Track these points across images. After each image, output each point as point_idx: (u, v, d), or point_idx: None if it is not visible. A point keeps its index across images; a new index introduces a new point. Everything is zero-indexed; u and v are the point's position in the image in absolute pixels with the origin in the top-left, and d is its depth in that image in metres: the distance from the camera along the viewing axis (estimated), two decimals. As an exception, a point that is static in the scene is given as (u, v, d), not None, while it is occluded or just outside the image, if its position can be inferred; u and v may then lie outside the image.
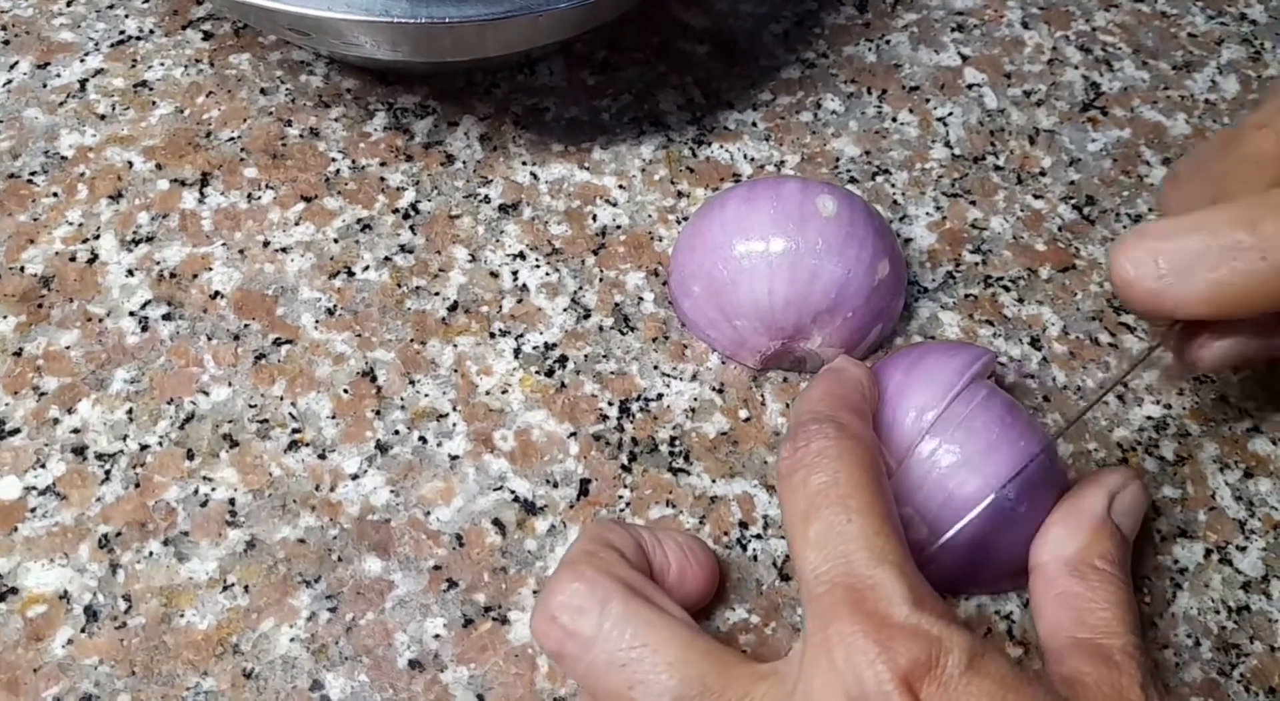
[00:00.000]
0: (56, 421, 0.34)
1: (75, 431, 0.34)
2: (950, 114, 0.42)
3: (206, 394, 0.34)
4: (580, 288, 0.37)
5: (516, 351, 0.36)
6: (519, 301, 0.37)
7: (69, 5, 0.43)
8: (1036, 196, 0.40)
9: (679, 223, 0.39)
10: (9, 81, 0.40)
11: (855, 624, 0.24)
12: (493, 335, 0.36)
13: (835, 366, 0.32)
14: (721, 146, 0.41)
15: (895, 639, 0.23)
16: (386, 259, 0.37)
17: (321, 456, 0.34)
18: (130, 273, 0.37)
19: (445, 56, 0.37)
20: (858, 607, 0.24)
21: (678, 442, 0.35)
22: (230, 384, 0.35)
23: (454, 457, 0.34)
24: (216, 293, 0.36)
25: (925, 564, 0.31)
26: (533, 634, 0.28)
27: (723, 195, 0.36)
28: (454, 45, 0.36)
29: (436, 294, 0.37)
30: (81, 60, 0.41)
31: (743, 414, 0.35)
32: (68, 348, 0.35)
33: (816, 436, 0.27)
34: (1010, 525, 0.30)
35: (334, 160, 0.39)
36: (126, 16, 0.42)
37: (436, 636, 0.31)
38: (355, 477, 0.33)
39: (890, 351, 0.36)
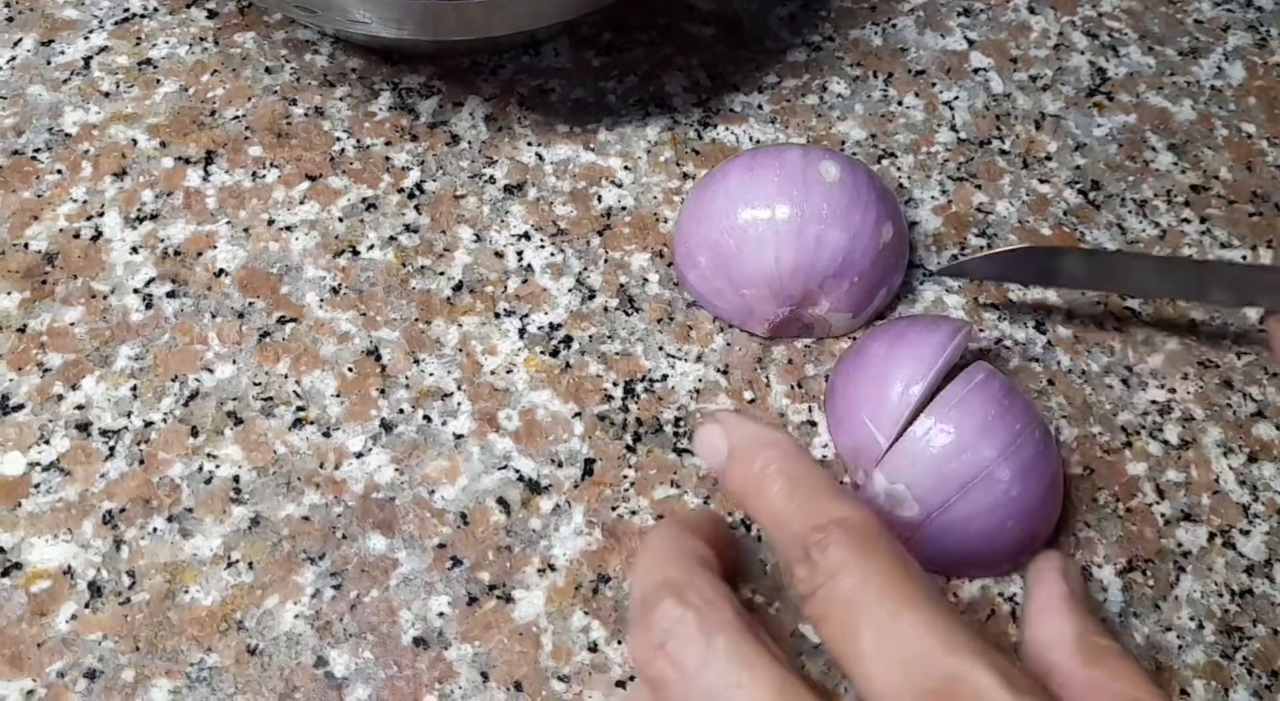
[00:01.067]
0: (60, 398, 0.34)
1: (79, 408, 0.34)
2: (956, 98, 0.42)
3: (211, 371, 0.34)
4: (585, 268, 0.37)
5: (521, 331, 0.36)
6: (524, 282, 0.37)
7: (73, -18, 0.42)
8: (1042, 181, 0.40)
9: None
10: (13, 58, 0.40)
11: None
12: (497, 315, 0.36)
13: (756, 439, 0.27)
14: (727, 129, 0.41)
15: None
16: (391, 238, 0.37)
17: (326, 434, 0.34)
18: (134, 250, 0.36)
19: (450, 35, 0.37)
20: None
21: (682, 423, 0.35)
22: (235, 362, 0.35)
23: (459, 436, 0.34)
24: (221, 271, 0.36)
25: (920, 542, 0.31)
26: (631, 656, 0.25)
27: (725, 165, 0.36)
28: (459, 24, 0.36)
29: (441, 273, 0.37)
30: (85, 38, 0.41)
31: (747, 395, 0.35)
32: (72, 324, 0.35)
33: (825, 545, 0.24)
34: (1004, 505, 0.30)
35: (339, 139, 0.39)
36: (130, -6, 0.42)
37: (441, 614, 0.31)
38: (360, 456, 0.33)
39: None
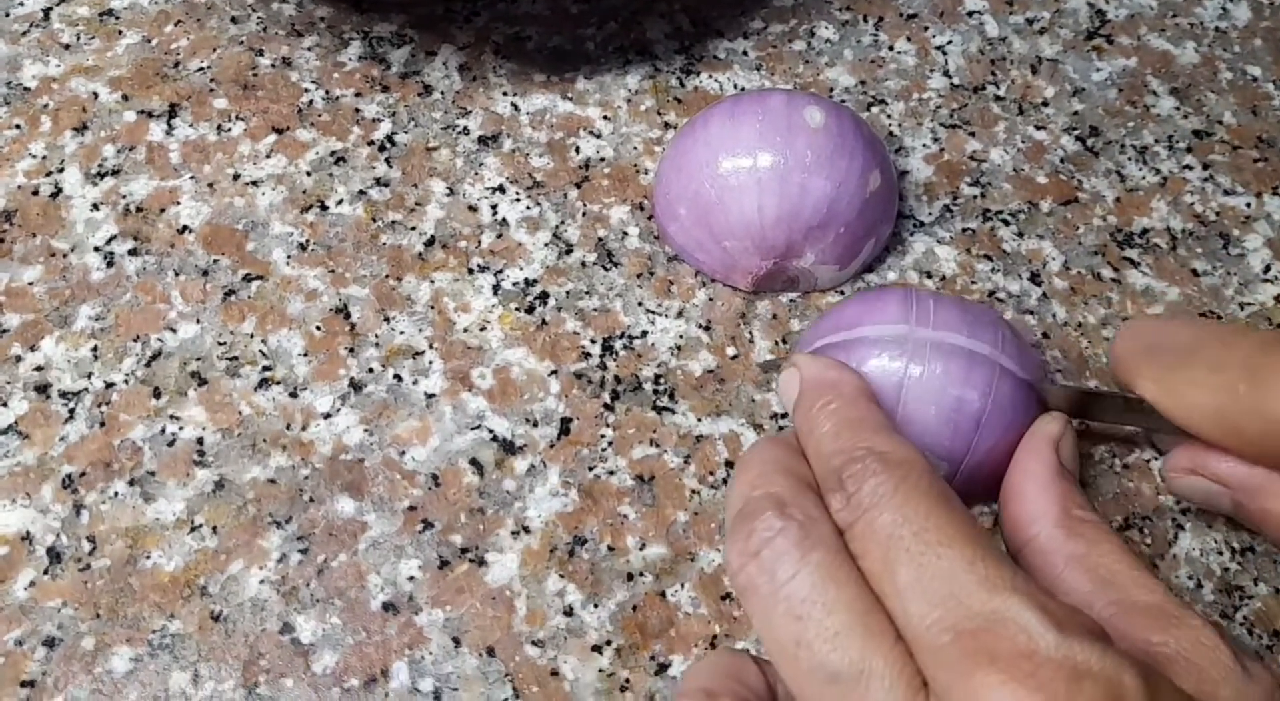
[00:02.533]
0: (19, 359, 0.33)
1: (38, 369, 0.32)
2: (949, 42, 0.41)
3: (174, 331, 0.33)
4: (562, 222, 0.36)
5: (495, 287, 0.35)
6: (498, 236, 0.36)
7: (31, -69, 0.41)
8: (1038, 127, 0.39)
9: (666, 155, 0.37)
10: (-31, 10, 0.39)
11: (998, 672, 0.20)
12: (471, 271, 0.35)
13: (822, 381, 0.28)
14: (710, 76, 0.39)
15: (1056, 680, 0.19)
16: (361, 193, 0.36)
17: (293, 395, 0.32)
18: (95, 207, 0.35)
19: (420, -21, 0.35)
20: (994, 651, 0.20)
21: (662, 381, 0.33)
22: (198, 321, 0.33)
23: (430, 396, 0.33)
24: (184, 227, 0.35)
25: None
26: (727, 564, 0.25)
27: (706, 112, 0.34)
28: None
29: (413, 228, 0.35)
30: (44, -12, 0.40)
31: (730, 351, 0.34)
32: (30, 283, 0.34)
33: (863, 477, 0.24)
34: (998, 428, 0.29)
35: (307, 91, 0.38)
36: (91, -57, 0.41)
37: (411, 578, 0.30)
38: (328, 416, 0.32)
39: (880, 282, 0.35)
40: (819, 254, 0.33)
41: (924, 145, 0.38)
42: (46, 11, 0.39)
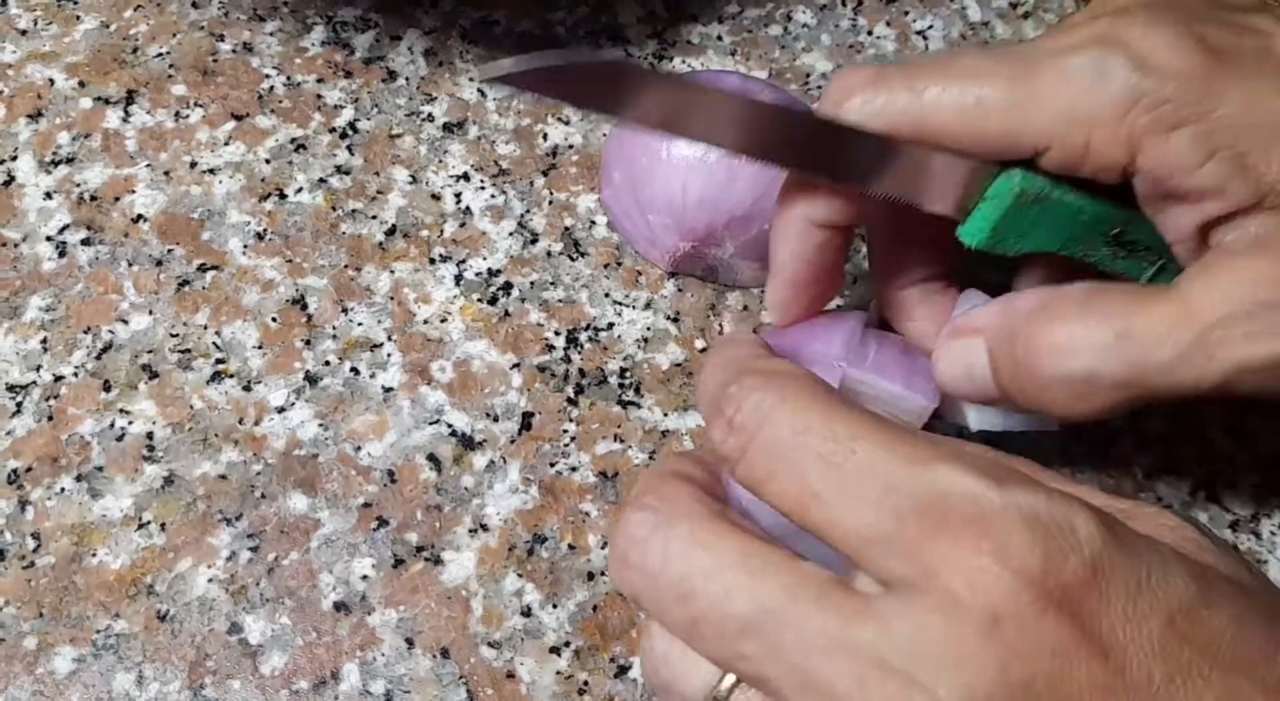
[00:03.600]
0: (-34, 352, 0.32)
1: (-15, 362, 0.32)
2: (930, 27, 0.40)
3: (126, 322, 0.32)
4: (528, 211, 0.35)
5: (458, 278, 0.34)
6: (461, 225, 0.35)
7: (-11, -86, 0.40)
8: (1020, 114, 0.38)
9: (636, 142, 0.36)
10: (-76, -5, 0.38)
11: (953, 543, 0.18)
12: (433, 261, 0.34)
13: (720, 341, 0.26)
14: (684, 61, 0.38)
15: (1010, 532, 0.18)
16: (321, 181, 0.35)
17: (246, 388, 0.32)
18: (49, 195, 0.34)
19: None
20: (943, 525, 0.18)
21: (628, 374, 0.32)
22: (151, 312, 0.33)
23: (388, 390, 0.32)
24: (139, 216, 0.34)
25: None
26: (708, 441, 0.22)
27: None
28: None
29: (374, 217, 0.35)
30: (2, -28, 0.39)
31: (699, 344, 0.33)
32: (-20, 274, 0.33)
33: (741, 396, 0.21)
34: None
35: (268, 77, 0.37)
36: (50, -74, 0.40)
37: (364, 577, 0.29)
38: (282, 410, 0.31)
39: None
40: (738, 247, 0.32)
41: (902, 132, 0.37)
42: (3, -4, 0.38)
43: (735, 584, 0.19)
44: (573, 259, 0.34)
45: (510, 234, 0.35)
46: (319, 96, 0.37)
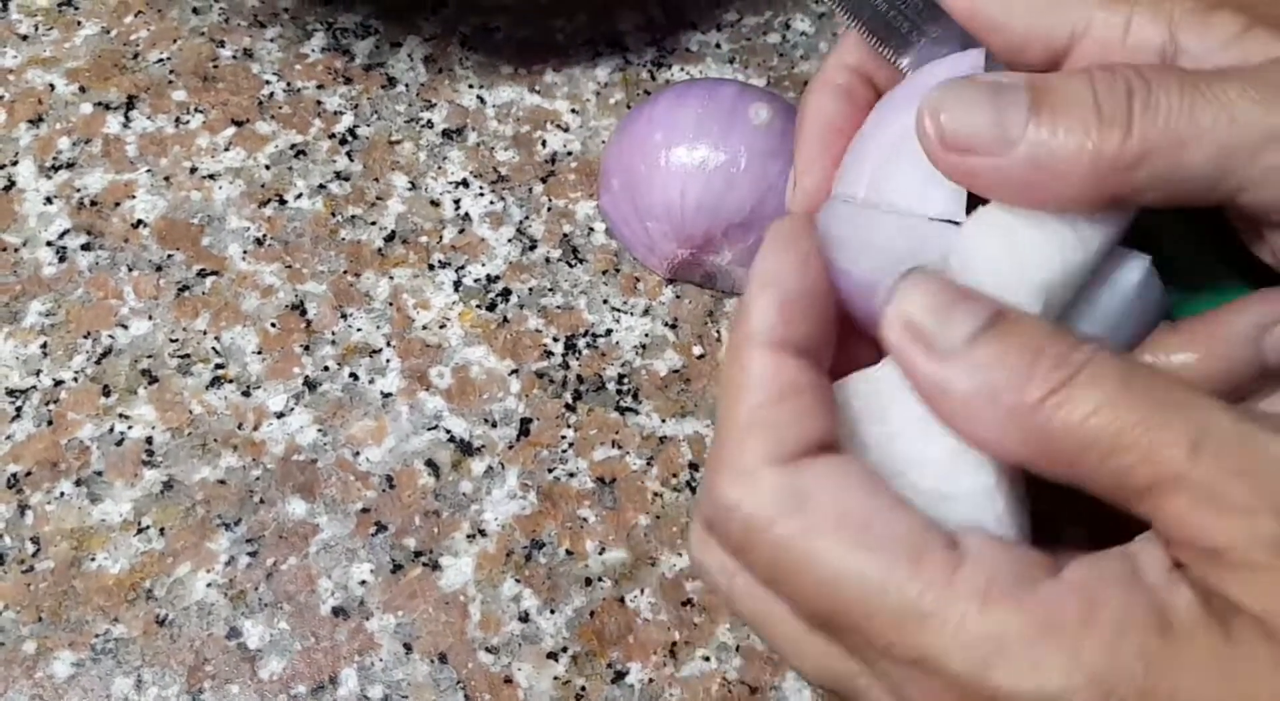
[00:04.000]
0: (-34, 356, 0.32)
1: (-15, 367, 0.32)
2: (928, 35, 0.40)
3: (125, 327, 0.32)
4: (527, 217, 0.35)
5: (456, 284, 0.34)
6: (461, 232, 0.35)
7: (-9, -81, 0.40)
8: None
9: (634, 149, 0.37)
10: (-75, 0, 0.38)
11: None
12: (431, 267, 0.34)
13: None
14: (682, 69, 0.38)
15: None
16: (321, 187, 0.35)
17: (245, 393, 0.32)
18: (49, 200, 0.34)
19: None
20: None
21: (626, 380, 0.33)
22: (151, 317, 0.33)
23: (386, 395, 0.32)
24: (139, 221, 0.34)
25: None
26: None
27: (660, 91, 0.34)
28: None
29: (373, 223, 0.35)
30: (3, -23, 0.39)
31: (696, 350, 0.33)
32: (-20, 279, 0.33)
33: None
34: None
35: (268, 83, 0.37)
36: (52, -69, 0.40)
37: (363, 582, 0.29)
38: (281, 416, 0.31)
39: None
40: (736, 254, 0.32)
41: (899, 140, 0.37)
42: (4, 2, 0.38)
43: (809, 639, 0.19)
44: (571, 265, 0.34)
45: (509, 240, 0.35)
46: (319, 102, 0.37)
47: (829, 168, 0.23)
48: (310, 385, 0.32)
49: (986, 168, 0.19)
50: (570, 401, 0.32)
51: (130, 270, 0.33)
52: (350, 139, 0.36)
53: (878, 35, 0.23)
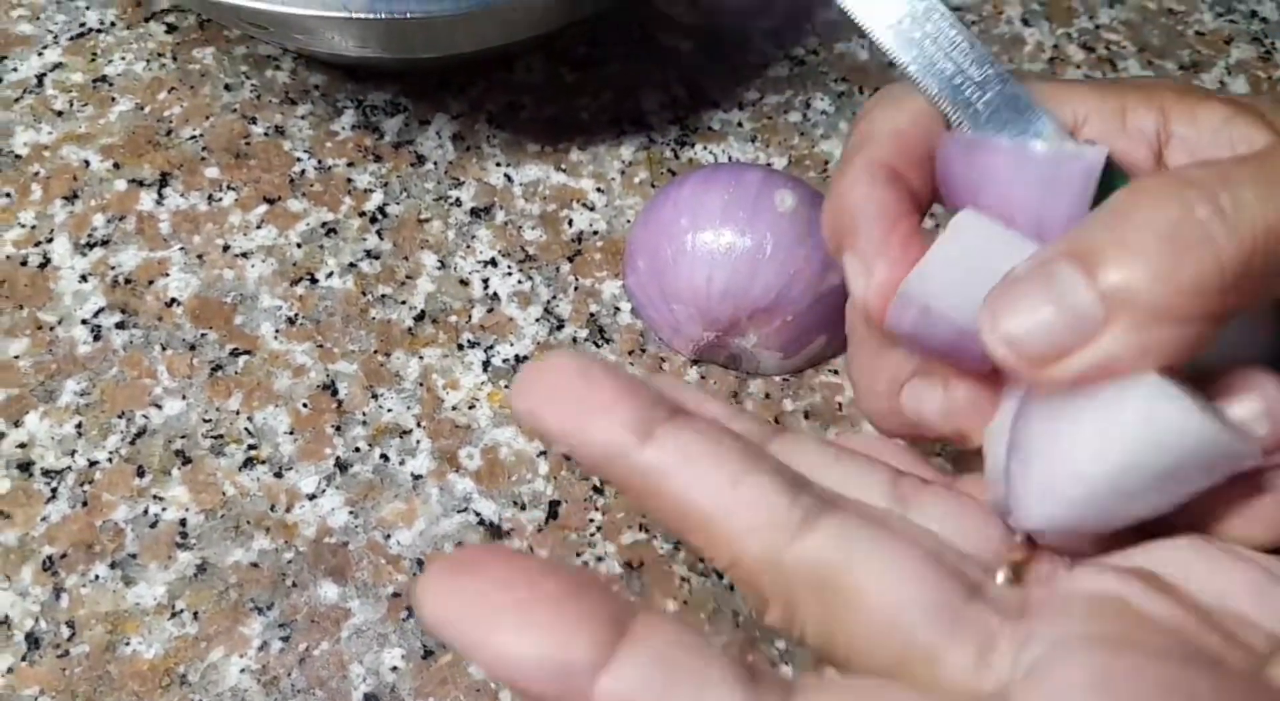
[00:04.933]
0: (2, 435, 0.32)
1: (21, 446, 0.32)
2: (946, 115, 0.41)
3: (159, 407, 0.33)
4: (554, 297, 0.36)
5: (485, 364, 0.34)
6: (489, 311, 0.35)
7: (27, -5, 0.41)
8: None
9: (659, 228, 0.37)
10: (-38, 75, 0.39)
11: None
12: (461, 347, 0.35)
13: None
14: (705, 147, 0.39)
15: None
16: (351, 265, 0.36)
17: (278, 474, 0.32)
18: (84, 278, 0.35)
19: (417, 52, 0.35)
20: None
21: (652, 462, 0.33)
22: (184, 397, 0.33)
23: (417, 477, 0.32)
24: (173, 300, 0.35)
25: None
26: None
27: (687, 174, 0.35)
28: (425, 41, 0.34)
29: (403, 302, 0.35)
30: (40, 54, 0.39)
31: (721, 432, 0.34)
32: (16, 357, 0.33)
33: None
34: None
35: (299, 160, 0.38)
36: (87, 8, 0.41)
37: (394, 668, 0.30)
38: (313, 497, 0.32)
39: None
40: (762, 338, 0.33)
41: (919, 220, 0.38)
42: (40, 78, 0.39)
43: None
44: (598, 345, 0.35)
45: (537, 320, 0.35)
46: (349, 180, 0.37)
47: (898, 258, 0.22)
48: (342, 466, 0.32)
49: (1088, 364, 0.18)
50: (598, 483, 0.33)
51: (164, 349, 0.34)
52: (380, 217, 0.37)
53: (945, 99, 0.23)
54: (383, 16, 0.31)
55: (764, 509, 0.17)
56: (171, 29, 0.40)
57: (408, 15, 0.31)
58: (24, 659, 0.29)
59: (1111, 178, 0.21)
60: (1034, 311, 0.18)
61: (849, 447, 0.22)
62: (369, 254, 0.36)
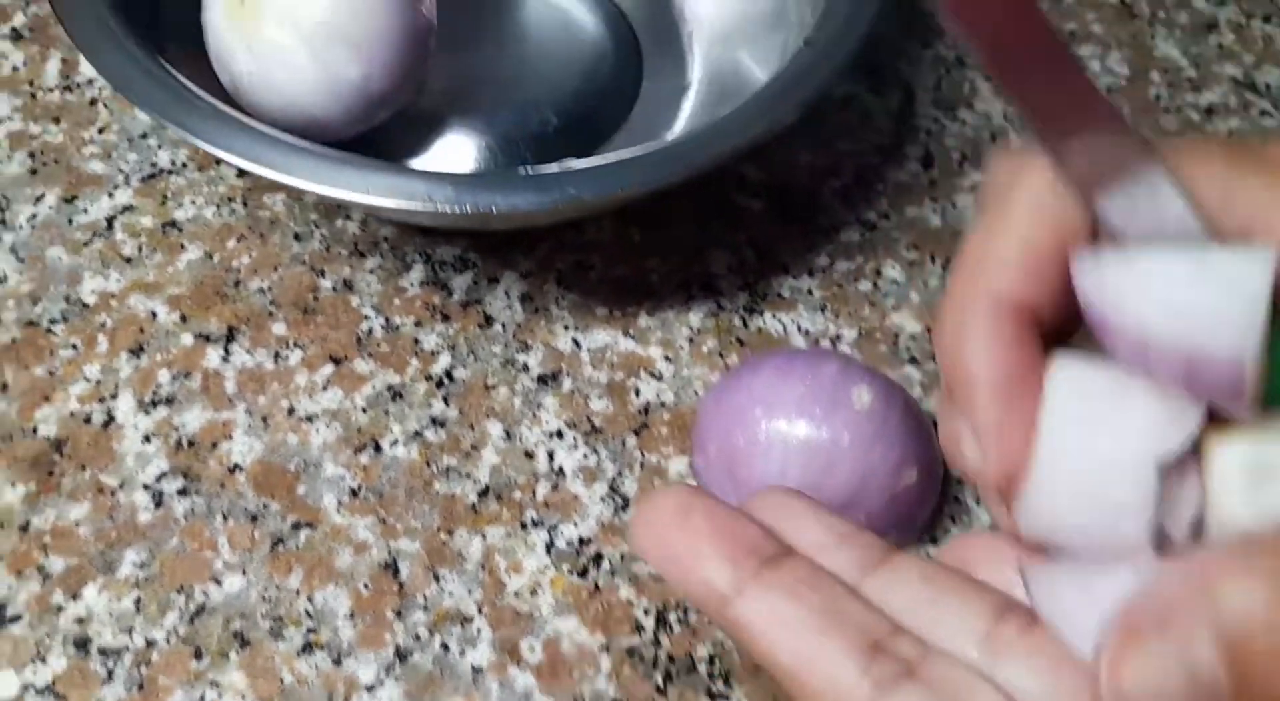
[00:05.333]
0: (60, 608, 0.32)
1: (79, 621, 0.32)
2: (1017, 287, 0.40)
3: (219, 583, 0.32)
4: (620, 473, 0.35)
5: (549, 546, 0.34)
6: (554, 487, 0.35)
7: (100, 132, 0.41)
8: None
9: (727, 403, 0.37)
10: (34, 216, 0.39)
11: None
12: (524, 526, 0.34)
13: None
14: (774, 316, 0.39)
15: None
16: (417, 433, 0.35)
17: (337, 661, 0.32)
18: (147, 438, 0.35)
19: (491, 226, 0.35)
20: None
21: (717, 661, 0.32)
22: (244, 572, 0.33)
23: (477, 670, 0.32)
24: (236, 466, 0.34)
25: None
26: None
27: (761, 359, 0.34)
28: (505, 221, 0.34)
29: (468, 476, 0.35)
30: (110, 194, 0.39)
31: (787, 628, 0.33)
32: (77, 523, 0.33)
33: None
34: None
35: (367, 317, 0.37)
36: (159, 147, 0.41)
37: None
38: (371, 689, 0.31)
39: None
40: None
41: (990, 403, 0.37)
42: (110, 220, 0.39)
43: None
44: (663, 528, 0.34)
45: (602, 498, 0.35)
46: (416, 340, 0.37)
47: (1018, 450, 0.20)
48: (401, 655, 0.32)
49: None
50: (660, 683, 0.32)
51: (226, 519, 0.33)
52: (447, 381, 0.36)
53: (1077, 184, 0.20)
54: (469, 210, 0.30)
55: (834, 680, 0.18)
56: (243, 173, 0.40)
57: (493, 210, 0.30)
58: None
59: None
60: (1162, 676, 0.17)
61: (953, 578, 0.21)
62: (434, 422, 0.36)
